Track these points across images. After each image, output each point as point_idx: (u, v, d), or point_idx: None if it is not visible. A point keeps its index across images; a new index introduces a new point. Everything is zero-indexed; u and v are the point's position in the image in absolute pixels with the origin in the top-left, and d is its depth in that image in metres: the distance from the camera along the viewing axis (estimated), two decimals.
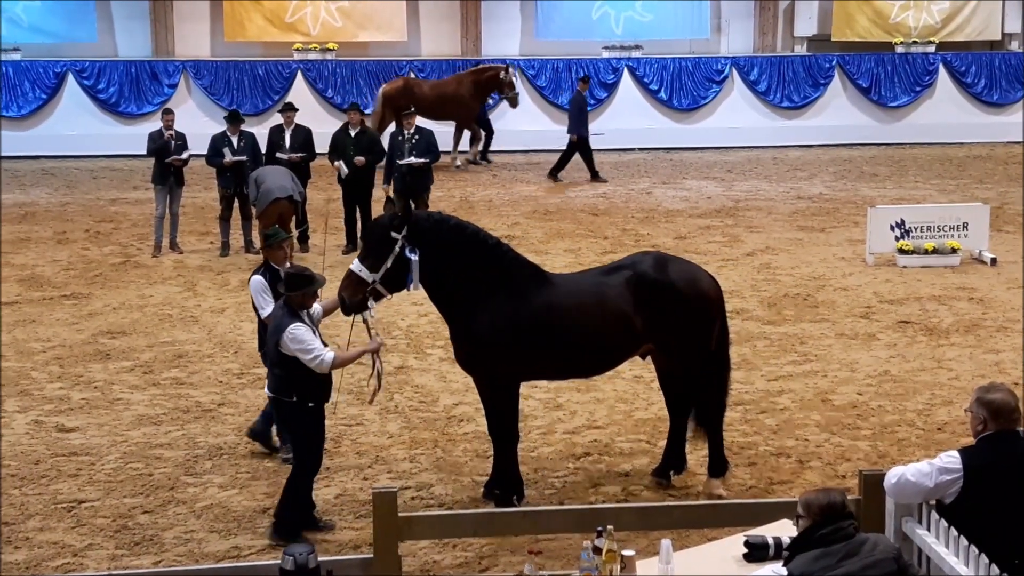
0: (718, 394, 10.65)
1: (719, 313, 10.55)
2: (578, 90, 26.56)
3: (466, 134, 28.14)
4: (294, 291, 9.76)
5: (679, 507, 8.58)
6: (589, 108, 30.19)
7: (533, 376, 10.77)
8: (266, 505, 10.40)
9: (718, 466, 10.62)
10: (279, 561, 6.83)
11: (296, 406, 9.73)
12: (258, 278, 11.08)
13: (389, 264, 9.91)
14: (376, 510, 7.35)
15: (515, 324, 9.99)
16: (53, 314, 16.26)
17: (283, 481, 10.82)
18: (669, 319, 10.21)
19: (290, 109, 19.94)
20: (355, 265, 10.00)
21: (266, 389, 10.04)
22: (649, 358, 10.89)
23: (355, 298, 9.93)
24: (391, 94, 27.09)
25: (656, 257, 10.60)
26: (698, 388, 10.59)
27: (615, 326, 10.15)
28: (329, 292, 10.82)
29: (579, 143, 25.84)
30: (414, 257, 9.90)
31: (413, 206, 19.11)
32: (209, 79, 29.54)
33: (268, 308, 10.83)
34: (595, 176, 26.09)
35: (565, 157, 26.16)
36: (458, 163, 27.86)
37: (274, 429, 11.46)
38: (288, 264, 11.09)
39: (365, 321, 10.14)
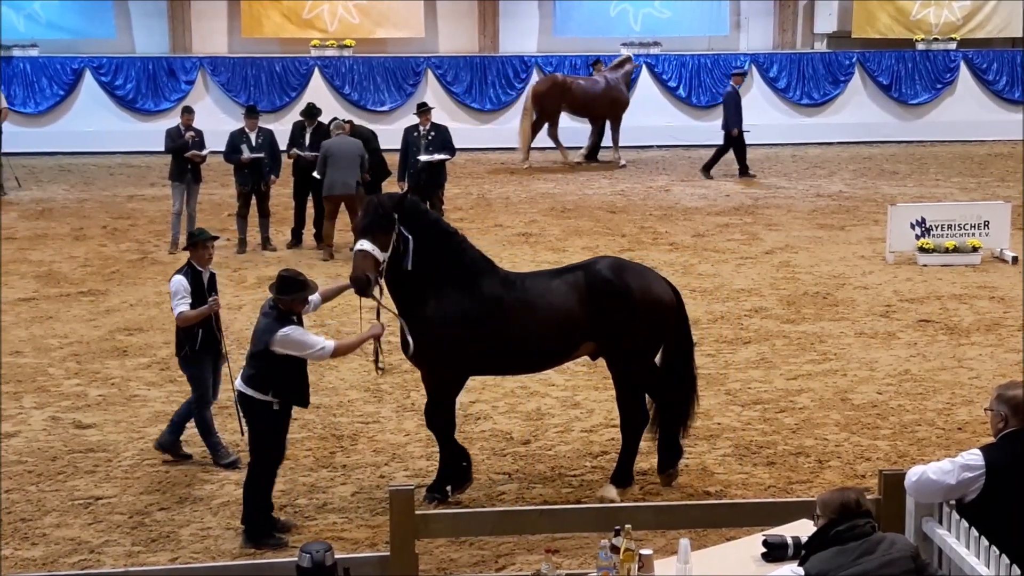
0: (681, 398, 10.66)
1: (672, 320, 10.49)
2: (733, 85, 26.38)
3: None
4: (285, 295, 9.67)
5: (697, 506, 8.54)
6: None
7: (479, 371, 10.72)
8: (282, 503, 10.38)
9: (623, 476, 10.52)
10: (296, 559, 6.81)
11: (267, 403, 9.65)
12: (179, 278, 10.98)
13: (394, 240, 9.80)
14: (393, 508, 7.32)
15: (463, 318, 9.97)
16: (70, 310, 16.27)
17: (299, 478, 10.84)
18: (617, 323, 10.19)
19: (311, 115, 19.77)
20: (365, 244, 9.74)
21: (239, 382, 9.78)
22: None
23: (374, 274, 9.73)
24: (543, 93, 26.89)
25: (613, 261, 10.63)
26: (635, 394, 10.52)
27: (558, 326, 10.14)
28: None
29: (733, 138, 25.80)
30: (410, 236, 9.86)
31: (427, 203, 19.28)
32: (226, 76, 29.56)
33: (179, 309, 10.83)
34: (744, 171, 26.02)
35: (720, 152, 26.14)
36: (623, 162, 27.77)
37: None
38: (210, 265, 11.15)
39: (378, 302, 10.04)
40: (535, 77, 30.22)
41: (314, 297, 10.00)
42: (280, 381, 9.62)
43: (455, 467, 10.50)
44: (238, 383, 9.82)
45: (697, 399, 10.95)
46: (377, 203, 9.99)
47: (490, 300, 10.10)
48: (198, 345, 10.98)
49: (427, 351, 10.11)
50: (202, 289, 10.99)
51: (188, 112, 19.91)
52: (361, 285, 9.70)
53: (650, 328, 10.34)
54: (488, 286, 10.15)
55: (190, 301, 10.87)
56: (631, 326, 10.23)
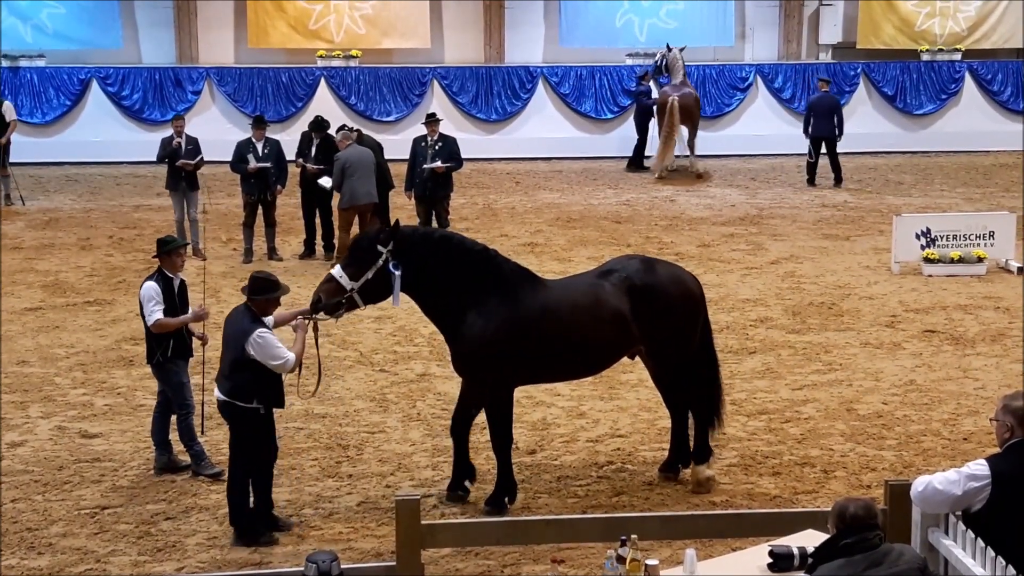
0: (708, 386, 10.97)
1: (703, 310, 10.91)
2: (825, 92, 26.51)
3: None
4: (258, 295, 9.85)
5: (703, 516, 8.54)
6: (613, 115, 30.30)
7: (530, 379, 10.89)
8: (288, 512, 10.39)
9: (703, 452, 10.87)
10: (302, 568, 6.83)
11: (254, 411, 9.77)
12: (151, 284, 11.04)
13: (370, 275, 10.06)
14: (399, 518, 7.34)
15: (511, 327, 10.13)
16: (77, 320, 16.30)
17: (305, 488, 10.87)
18: (661, 319, 10.48)
19: (319, 128, 19.80)
20: (336, 271, 10.17)
21: (218, 393, 9.95)
22: (638, 359, 11.15)
23: (331, 300, 10.05)
24: (692, 105, 26.82)
25: (643, 260, 10.92)
26: (689, 382, 10.85)
27: (611, 327, 10.35)
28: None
29: (826, 143, 26.01)
30: (397, 272, 10.04)
31: (434, 213, 19.32)
32: (233, 86, 29.59)
33: (155, 315, 10.88)
34: (812, 181, 26.27)
35: (833, 159, 26.31)
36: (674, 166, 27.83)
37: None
38: (181, 272, 11.20)
39: (315, 320, 10.22)
40: (541, 87, 30.26)
41: (267, 319, 10.10)
42: (263, 388, 9.79)
43: (467, 470, 10.68)
44: (218, 394, 9.95)
45: (722, 393, 11.20)
46: (362, 239, 10.50)
47: (535, 308, 10.24)
48: (170, 351, 11.07)
49: (474, 362, 10.25)
50: (172, 296, 11.07)
51: (178, 119, 20.03)
52: (316, 303, 10.09)
53: (689, 320, 10.68)
54: (531, 295, 10.29)
55: (164, 307, 10.93)
56: (674, 321, 10.55)
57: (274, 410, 10.08)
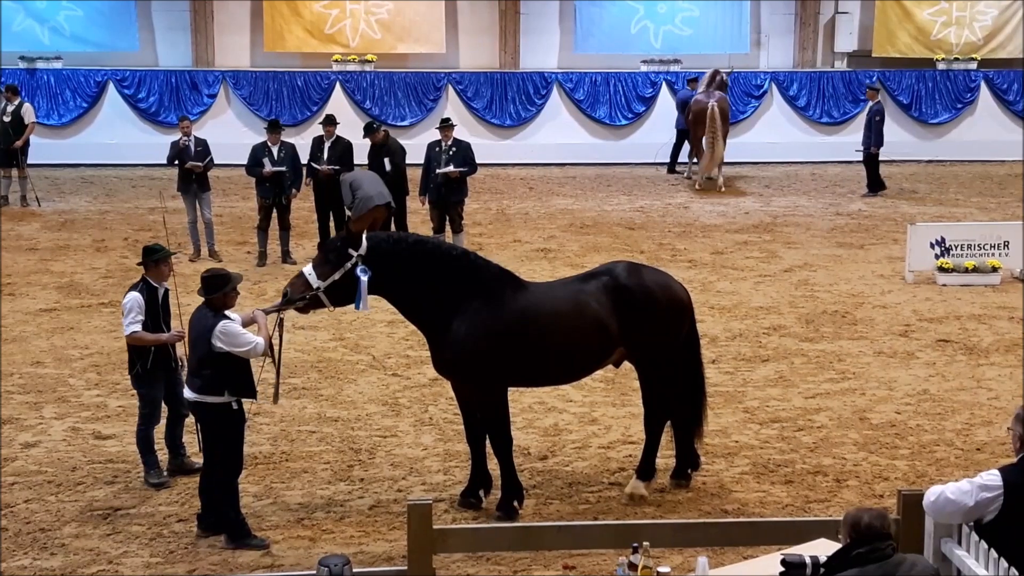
0: (692, 396, 10.98)
1: (689, 317, 10.89)
2: (879, 101, 26.61)
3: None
4: (215, 292, 9.90)
5: (716, 524, 8.54)
6: (627, 122, 30.32)
7: (520, 382, 10.97)
8: (300, 516, 10.42)
9: (647, 471, 10.90)
10: (314, 571, 6.84)
11: (225, 405, 9.84)
12: (134, 295, 10.91)
13: (337, 277, 10.11)
14: (410, 522, 7.34)
15: (493, 330, 10.15)
16: (91, 322, 16.34)
17: (317, 491, 10.88)
18: (644, 322, 10.46)
19: (330, 123, 19.95)
20: (306, 268, 10.28)
21: (188, 392, 9.98)
22: (627, 365, 11.12)
23: (296, 294, 10.15)
24: (727, 111, 26.94)
25: (629, 264, 10.92)
26: (677, 390, 10.84)
27: (591, 330, 10.35)
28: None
29: (872, 154, 26.14)
30: (364, 277, 10.08)
31: (448, 218, 19.34)
32: (248, 89, 29.67)
33: (134, 327, 10.79)
34: (881, 187, 26.40)
35: (873, 169, 26.45)
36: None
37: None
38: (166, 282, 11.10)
39: (278, 313, 10.27)
40: (555, 93, 30.30)
41: (234, 318, 10.11)
42: (232, 379, 9.84)
43: (484, 479, 10.70)
44: (189, 395, 9.99)
45: (706, 401, 11.20)
46: (334, 241, 10.62)
47: (516, 311, 10.23)
48: (149, 364, 10.96)
49: (458, 367, 10.28)
50: (156, 306, 10.98)
51: (184, 120, 20.14)
52: (284, 295, 10.25)
53: (673, 326, 10.65)
54: (513, 298, 10.29)
55: (143, 319, 10.85)
56: (658, 326, 10.52)
57: (248, 403, 10.11)
